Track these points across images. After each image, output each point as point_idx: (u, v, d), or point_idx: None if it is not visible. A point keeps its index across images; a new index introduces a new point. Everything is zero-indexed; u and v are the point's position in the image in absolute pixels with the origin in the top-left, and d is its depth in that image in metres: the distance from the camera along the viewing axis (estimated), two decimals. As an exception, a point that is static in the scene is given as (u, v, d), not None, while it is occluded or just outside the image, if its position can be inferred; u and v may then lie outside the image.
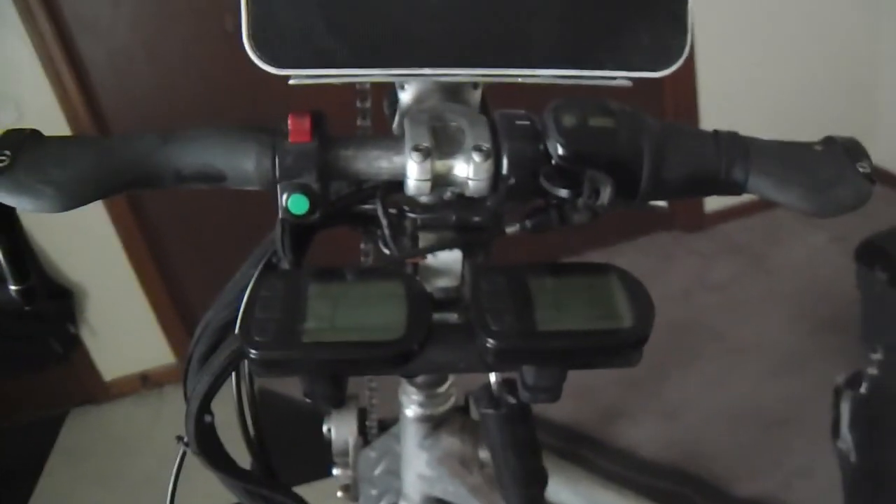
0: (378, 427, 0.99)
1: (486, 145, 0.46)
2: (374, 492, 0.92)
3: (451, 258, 0.58)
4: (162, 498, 0.68)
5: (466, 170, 0.46)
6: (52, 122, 2.06)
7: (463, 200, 0.53)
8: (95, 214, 2.20)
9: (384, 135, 0.51)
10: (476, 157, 0.46)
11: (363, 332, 0.43)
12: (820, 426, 1.69)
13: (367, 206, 0.57)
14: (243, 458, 0.66)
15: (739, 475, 1.84)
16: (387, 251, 0.57)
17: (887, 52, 2.67)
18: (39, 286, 0.53)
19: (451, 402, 0.79)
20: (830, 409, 1.60)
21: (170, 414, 2.39)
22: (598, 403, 2.08)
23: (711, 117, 2.60)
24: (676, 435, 1.98)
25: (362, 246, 0.80)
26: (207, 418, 0.59)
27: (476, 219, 0.55)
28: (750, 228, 2.74)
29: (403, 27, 0.47)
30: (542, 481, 0.73)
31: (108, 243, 2.27)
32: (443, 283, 0.59)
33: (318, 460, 1.03)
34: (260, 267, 0.58)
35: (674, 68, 0.49)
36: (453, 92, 0.53)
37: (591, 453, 1.96)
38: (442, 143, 0.47)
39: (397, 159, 0.47)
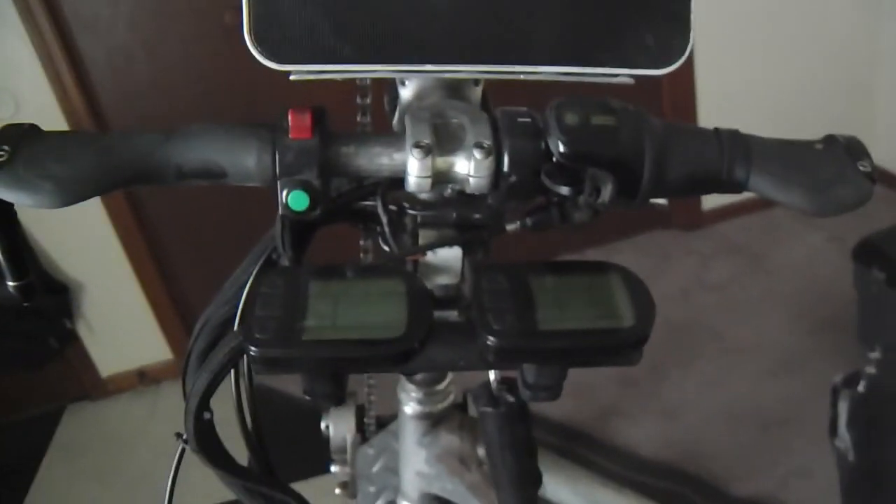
0: (376, 424, 0.99)
1: (488, 142, 0.46)
2: (372, 489, 0.92)
3: (451, 255, 0.57)
4: (158, 494, 0.68)
5: (467, 167, 0.46)
6: (51, 120, 2.05)
7: (463, 198, 0.53)
8: (92, 209, 2.20)
9: (385, 131, 0.51)
10: (477, 154, 0.45)
11: (364, 330, 0.43)
12: (819, 426, 1.69)
13: (367, 203, 0.57)
14: (241, 455, 0.66)
15: (738, 475, 1.84)
16: (387, 248, 0.57)
17: (887, 52, 2.67)
18: (37, 282, 0.53)
19: (450, 399, 0.79)
20: (829, 408, 1.60)
21: (167, 410, 2.39)
22: (597, 402, 2.08)
23: (710, 116, 2.60)
24: (675, 434, 1.98)
25: (361, 243, 0.80)
26: (206, 415, 0.59)
27: (476, 216, 0.55)
28: (748, 227, 2.74)
29: (405, 23, 0.47)
30: (537, 481, 0.73)
31: (105, 238, 2.27)
32: (443, 280, 0.59)
33: (317, 457, 1.04)
34: (260, 263, 0.58)
35: (676, 66, 0.49)
36: (454, 88, 0.53)
37: (589, 452, 1.96)
38: (443, 140, 0.47)
39: (398, 156, 0.47)
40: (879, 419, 1.54)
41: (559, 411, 2.06)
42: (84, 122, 2.09)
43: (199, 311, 0.61)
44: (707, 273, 2.59)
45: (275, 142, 0.45)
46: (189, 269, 2.42)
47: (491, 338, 0.42)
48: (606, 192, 0.45)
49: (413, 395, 0.77)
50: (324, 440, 0.98)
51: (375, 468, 0.93)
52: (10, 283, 0.51)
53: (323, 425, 0.98)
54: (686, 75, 2.54)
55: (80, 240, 2.25)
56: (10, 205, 0.46)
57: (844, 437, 1.56)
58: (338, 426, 0.97)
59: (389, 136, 0.48)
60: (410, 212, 0.56)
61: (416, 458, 0.80)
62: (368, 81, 0.71)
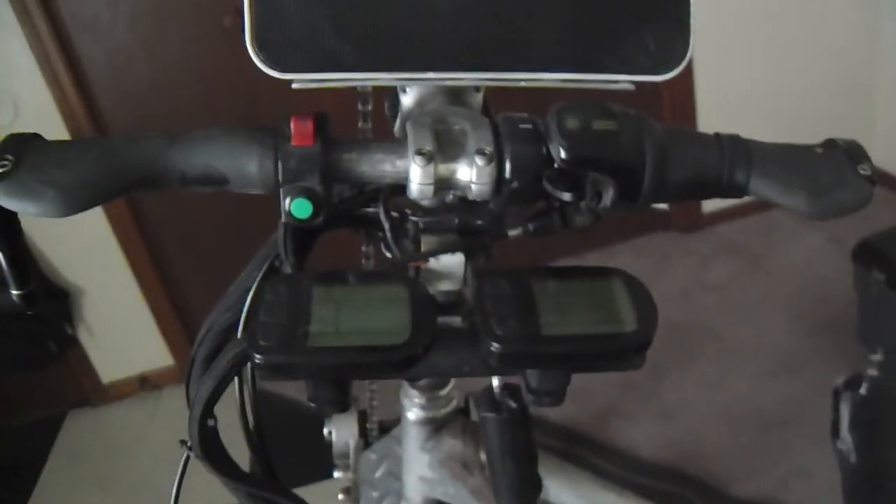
0: (378, 429, 0.99)
1: (489, 149, 0.46)
2: (374, 494, 0.92)
3: (453, 261, 0.58)
4: (159, 500, 0.68)
5: (469, 173, 0.46)
6: (49, 121, 2.06)
7: (465, 203, 0.53)
8: (93, 214, 2.17)
9: (387, 138, 0.51)
10: (479, 160, 0.46)
11: (368, 337, 0.43)
12: (819, 427, 1.69)
13: (369, 210, 0.57)
14: (243, 461, 0.66)
15: (738, 476, 1.84)
16: (389, 254, 0.57)
17: (887, 52, 2.67)
18: (39, 289, 0.53)
19: (453, 404, 0.79)
20: (830, 410, 1.60)
21: (168, 416, 2.39)
22: (597, 404, 2.08)
23: (709, 117, 2.60)
24: (675, 435, 1.98)
25: (363, 249, 0.80)
26: (210, 422, 0.59)
27: (478, 222, 0.55)
28: (747, 229, 2.74)
29: (407, 31, 0.47)
30: (537, 489, 0.73)
31: (105, 244, 2.27)
32: (445, 286, 0.59)
33: (319, 462, 1.04)
34: (263, 270, 0.58)
35: (676, 72, 0.49)
36: (455, 95, 0.53)
37: (589, 454, 1.96)
38: (445, 147, 0.47)
39: (400, 163, 0.47)
40: (881, 421, 1.54)
41: (560, 414, 2.05)
42: (82, 124, 2.09)
43: (199, 317, 0.62)
44: (707, 274, 2.59)
45: (277, 149, 0.45)
46: (190, 275, 2.42)
47: (494, 343, 0.42)
48: (608, 196, 0.46)
49: (416, 400, 0.77)
50: (326, 445, 0.98)
51: (378, 473, 0.93)
52: (14, 292, 0.51)
53: (325, 431, 0.98)
54: (685, 76, 2.54)
55: (81, 245, 2.24)
56: (14, 214, 0.46)
57: (846, 439, 1.56)
58: (340, 431, 0.97)
59: (391, 142, 0.48)
60: (412, 218, 0.56)
61: (419, 463, 0.80)
62: (369, 88, 0.71)
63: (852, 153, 0.50)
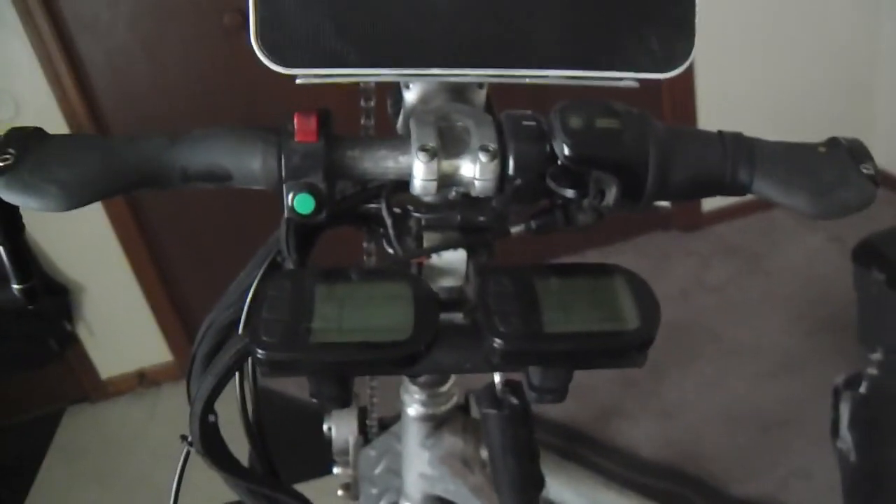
0: (378, 426, 0.99)
1: (493, 145, 0.46)
2: (374, 490, 0.92)
3: (455, 258, 0.58)
4: (158, 496, 0.68)
5: (472, 170, 0.46)
6: (50, 121, 2.05)
7: (468, 200, 0.53)
8: (93, 211, 2.19)
9: (390, 135, 0.51)
10: (482, 157, 0.45)
11: (370, 333, 0.43)
12: (819, 427, 1.69)
13: (371, 206, 0.57)
14: (243, 457, 0.66)
15: (738, 476, 1.84)
16: (391, 251, 0.57)
17: (887, 52, 2.67)
18: (39, 284, 0.53)
19: (454, 401, 0.79)
20: (830, 409, 1.60)
21: (166, 412, 2.39)
22: (597, 403, 2.08)
23: (710, 117, 2.60)
24: (675, 435, 1.98)
25: (365, 245, 0.80)
26: (211, 418, 0.59)
27: (481, 219, 0.55)
28: (747, 228, 2.74)
29: (411, 27, 0.47)
30: (539, 485, 0.73)
31: (105, 240, 2.27)
32: (447, 282, 0.59)
33: (319, 459, 1.04)
34: (264, 267, 0.58)
35: (681, 69, 0.49)
36: (458, 92, 0.53)
37: (589, 452, 1.96)
38: (448, 144, 0.47)
39: (403, 159, 0.47)
40: (881, 420, 1.54)
41: (560, 412, 2.06)
42: (84, 123, 2.09)
43: (199, 313, 0.62)
44: (707, 274, 2.59)
45: (280, 145, 0.45)
46: (189, 271, 2.42)
47: (497, 340, 0.42)
48: (611, 195, 0.46)
49: (416, 396, 0.77)
50: (326, 442, 0.98)
51: (378, 470, 0.93)
52: (15, 286, 0.51)
53: (325, 427, 0.98)
54: (686, 76, 2.54)
55: (81, 241, 2.24)
56: (16, 208, 0.46)
57: (846, 438, 1.56)
58: (340, 428, 0.97)
59: (394, 139, 0.48)
60: (415, 214, 0.56)
61: (419, 460, 0.80)
62: (372, 84, 0.71)
63: (855, 152, 0.49)
